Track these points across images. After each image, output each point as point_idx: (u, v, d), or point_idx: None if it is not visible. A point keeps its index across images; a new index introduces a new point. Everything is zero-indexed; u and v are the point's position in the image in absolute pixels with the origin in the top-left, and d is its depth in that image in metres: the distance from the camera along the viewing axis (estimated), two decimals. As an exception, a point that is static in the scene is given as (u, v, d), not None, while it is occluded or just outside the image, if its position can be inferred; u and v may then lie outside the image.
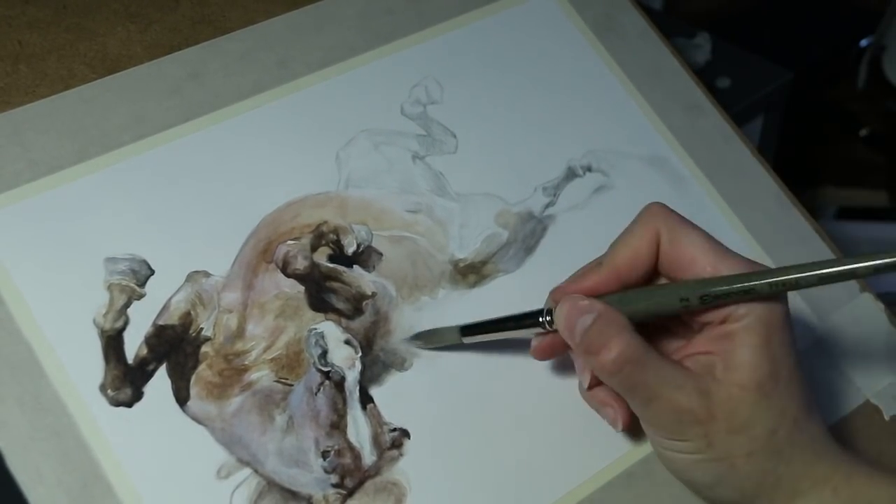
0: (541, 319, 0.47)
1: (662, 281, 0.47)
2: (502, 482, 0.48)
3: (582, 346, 0.44)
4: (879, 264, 0.40)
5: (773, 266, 0.45)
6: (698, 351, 0.45)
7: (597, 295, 0.46)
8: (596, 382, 0.47)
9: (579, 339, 0.44)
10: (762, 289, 0.43)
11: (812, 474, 0.45)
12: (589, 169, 0.56)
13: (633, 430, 0.48)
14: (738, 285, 0.43)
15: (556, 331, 0.46)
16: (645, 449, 0.50)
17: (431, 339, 0.49)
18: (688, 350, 0.46)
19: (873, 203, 1.02)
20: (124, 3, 0.54)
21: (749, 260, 0.45)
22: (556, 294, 0.47)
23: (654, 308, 0.45)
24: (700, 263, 0.45)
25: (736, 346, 0.44)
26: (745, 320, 0.44)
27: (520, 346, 0.50)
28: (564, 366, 0.51)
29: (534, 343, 0.48)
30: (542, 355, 0.49)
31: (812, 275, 0.42)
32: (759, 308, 0.44)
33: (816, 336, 0.56)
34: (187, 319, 0.47)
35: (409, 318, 0.50)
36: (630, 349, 0.43)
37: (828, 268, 0.41)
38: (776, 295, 0.44)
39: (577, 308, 0.45)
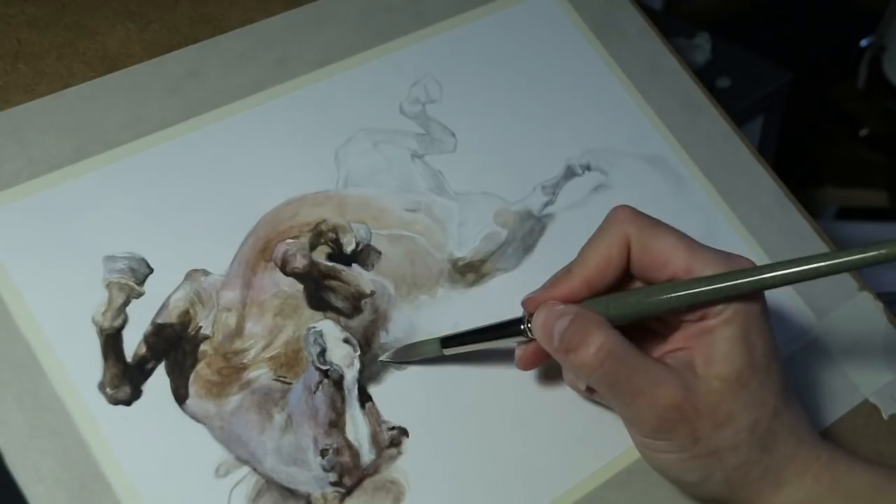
0: (522, 327, 0.46)
1: (636, 284, 0.47)
2: (501, 481, 0.48)
3: (561, 347, 0.44)
4: (842, 262, 0.41)
5: (749, 257, 0.45)
6: (677, 348, 0.45)
7: (570, 303, 0.46)
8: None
9: (557, 341, 0.44)
10: (745, 287, 0.43)
11: (794, 463, 0.45)
12: (588, 168, 0.56)
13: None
14: (723, 285, 0.43)
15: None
16: (643, 448, 0.50)
17: (410, 354, 0.49)
18: (666, 348, 0.46)
19: (873, 203, 1.02)
20: (123, 2, 0.54)
21: (723, 252, 0.45)
22: (529, 304, 0.47)
23: (636, 312, 0.45)
24: (674, 264, 0.45)
25: (715, 340, 0.44)
26: (724, 314, 0.44)
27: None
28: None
29: (517, 353, 0.48)
30: (526, 365, 0.48)
31: (786, 273, 0.42)
32: (737, 301, 0.44)
33: (815, 335, 0.56)
34: (186, 318, 0.47)
35: (408, 316, 0.50)
36: (609, 342, 0.43)
37: (797, 266, 0.42)
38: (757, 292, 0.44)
39: (553, 313, 0.45)
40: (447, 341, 0.48)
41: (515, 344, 0.48)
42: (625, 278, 0.47)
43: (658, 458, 0.45)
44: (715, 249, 0.45)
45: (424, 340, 0.49)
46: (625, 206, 0.46)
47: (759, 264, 0.44)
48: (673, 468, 0.46)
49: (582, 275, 0.46)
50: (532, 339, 0.46)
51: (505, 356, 0.50)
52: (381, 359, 0.49)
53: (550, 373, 0.50)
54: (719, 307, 0.44)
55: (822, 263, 0.41)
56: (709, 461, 0.44)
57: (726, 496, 0.46)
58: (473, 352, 0.49)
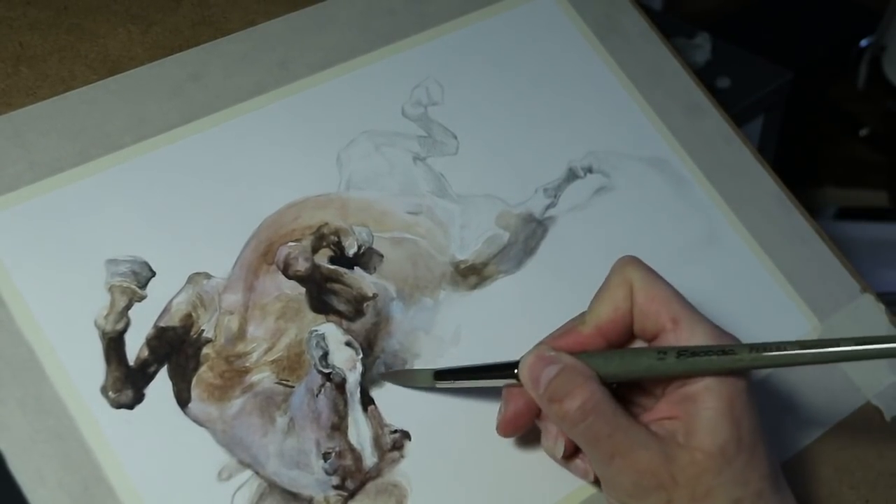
0: (515, 371, 0.45)
1: (638, 343, 0.46)
2: (503, 484, 0.48)
3: (546, 395, 0.43)
4: (858, 350, 0.40)
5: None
6: (662, 416, 0.44)
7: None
8: (571, 451, 0.46)
9: (543, 388, 0.43)
10: (743, 354, 0.42)
11: None
12: (590, 170, 0.56)
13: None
14: (718, 348, 0.42)
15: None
16: (646, 450, 0.50)
17: (403, 379, 0.48)
18: (651, 416, 0.44)
19: (873, 203, 1.03)
20: (125, 5, 0.54)
21: (711, 322, 0.44)
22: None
23: (627, 367, 0.44)
24: (663, 315, 0.44)
25: (699, 409, 0.42)
26: (707, 381, 0.42)
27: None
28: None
29: (498, 417, 0.47)
30: (505, 429, 0.47)
31: (791, 353, 0.41)
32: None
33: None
34: (188, 321, 0.47)
35: (411, 319, 0.50)
36: (596, 398, 0.42)
37: (809, 348, 0.41)
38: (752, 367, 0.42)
39: (542, 359, 0.44)
40: (441, 375, 0.48)
41: (504, 386, 0.47)
42: (632, 338, 0.46)
43: None
44: (704, 318, 0.44)
45: (419, 370, 0.48)
46: (629, 256, 0.46)
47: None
48: None
49: (594, 324, 0.45)
50: (520, 385, 0.45)
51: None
52: (378, 374, 0.48)
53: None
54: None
55: (837, 349, 0.40)
56: None
57: None
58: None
